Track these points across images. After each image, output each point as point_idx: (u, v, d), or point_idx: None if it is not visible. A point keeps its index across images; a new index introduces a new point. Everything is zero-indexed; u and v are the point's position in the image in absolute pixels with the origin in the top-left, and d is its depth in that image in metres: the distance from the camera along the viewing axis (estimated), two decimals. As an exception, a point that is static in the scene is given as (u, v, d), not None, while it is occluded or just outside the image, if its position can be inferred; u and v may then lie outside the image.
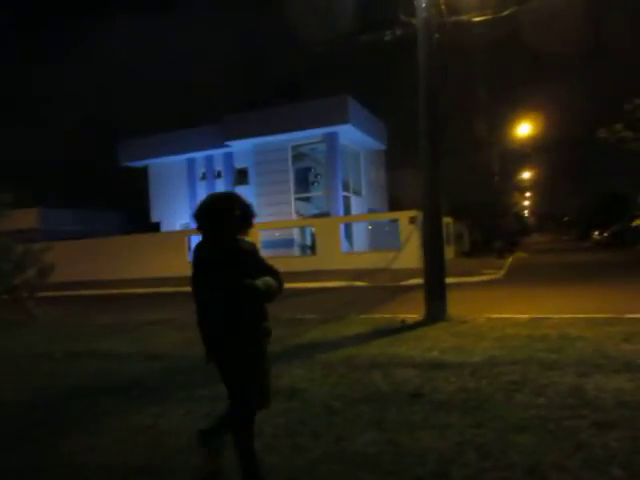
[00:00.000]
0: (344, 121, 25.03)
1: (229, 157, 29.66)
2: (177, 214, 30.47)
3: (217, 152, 29.51)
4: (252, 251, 2.92)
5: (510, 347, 5.73)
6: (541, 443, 3.12)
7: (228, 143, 27.98)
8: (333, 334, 7.48)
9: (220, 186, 29.90)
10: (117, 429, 3.97)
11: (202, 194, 30.29)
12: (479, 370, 4.81)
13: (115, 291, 19.56)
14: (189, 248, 25.71)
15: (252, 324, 2.84)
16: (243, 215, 2.86)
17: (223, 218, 2.80)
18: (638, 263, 20.65)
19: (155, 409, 4.33)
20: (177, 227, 29.82)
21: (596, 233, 46.77)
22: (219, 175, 30.29)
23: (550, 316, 7.83)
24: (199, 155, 30.13)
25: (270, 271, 2.87)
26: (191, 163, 30.62)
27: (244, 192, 28.56)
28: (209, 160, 30.20)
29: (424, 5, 8.90)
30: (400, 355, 5.71)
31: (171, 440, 3.66)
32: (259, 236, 23.22)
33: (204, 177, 30.64)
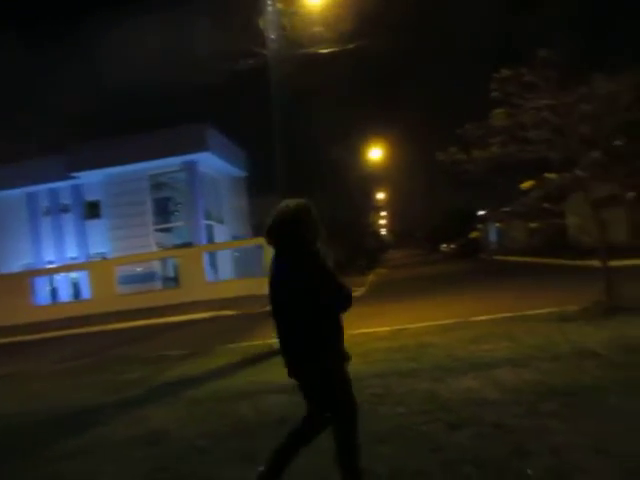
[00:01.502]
0: (203, 149, 24.71)
1: (77, 189, 27.47)
2: (16, 254, 27.22)
3: (63, 184, 27.13)
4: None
5: (373, 360, 5.97)
6: (402, 451, 3.26)
7: (75, 174, 25.96)
8: (200, 368, 7.20)
9: (68, 221, 27.50)
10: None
11: (46, 231, 27.53)
12: (344, 387, 4.91)
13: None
14: (33, 292, 23.14)
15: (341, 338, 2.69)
16: (318, 225, 2.72)
17: (308, 228, 2.64)
18: (479, 271, 23.03)
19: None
20: (16, 269, 26.55)
21: (444, 246, 51.44)
22: (66, 209, 27.84)
23: (408, 326, 8.35)
24: (41, 188, 27.42)
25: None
26: (31, 197, 27.75)
27: (96, 226, 26.82)
28: (53, 193, 27.64)
29: (274, 37, 9.19)
30: (269, 381, 5.65)
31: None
32: (115, 272, 21.71)
33: (48, 212, 27.94)
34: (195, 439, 4.03)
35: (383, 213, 57.77)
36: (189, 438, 4.09)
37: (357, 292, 17.78)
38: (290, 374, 2.72)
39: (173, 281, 25.83)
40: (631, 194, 13.00)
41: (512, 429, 3.37)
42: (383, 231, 69.28)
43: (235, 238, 29.47)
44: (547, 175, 8.71)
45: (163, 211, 28.53)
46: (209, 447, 3.83)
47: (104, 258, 25.35)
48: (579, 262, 16.68)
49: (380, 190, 45.27)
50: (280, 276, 2.67)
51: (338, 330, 2.69)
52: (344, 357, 2.71)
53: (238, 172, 30.76)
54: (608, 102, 7.77)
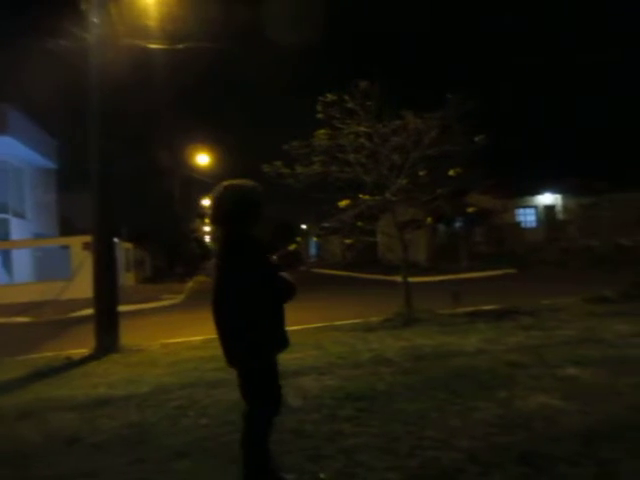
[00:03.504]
0: (2, 132, 21.57)
1: None
2: None
3: None
4: None
5: (181, 371, 5.73)
6: (200, 465, 3.14)
7: None
8: (-24, 384, 6.16)
9: None
10: None
11: None
12: (147, 400, 4.62)
13: None
14: None
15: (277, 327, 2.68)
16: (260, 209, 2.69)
17: (259, 209, 2.66)
18: (299, 282, 23.89)
19: None
20: None
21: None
22: None
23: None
24: None
25: None
26: None
27: None
28: None
29: (97, 21, 8.46)
30: (60, 397, 5.06)
31: None
32: None
33: None
34: (-46, 469, 3.40)
35: (207, 219, 56.93)
36: (-54, 468, 3.43)
37: (174, 300, 17.13)
38: (228, 363, 2.69)
39: (-48, 282, 22.02)
40: (430, 219, 14.75)
41: (310, 434, 3.49)
42: (208, 238, 68.24)
43: (38, 236, 26.22)
44: (361, 196, 9.43)
45: (-56, 199, 24.18)
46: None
47: None
48: (386, 277, 18.33)
49: (207, 197, 44.60)
50: (220, 261, 2.60)
51: (274, 318, 2.67)
52: (280, 345, 2.70)
53: (46, 163, 27.51)
54: (415, 137, 8.73)
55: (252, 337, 2.57)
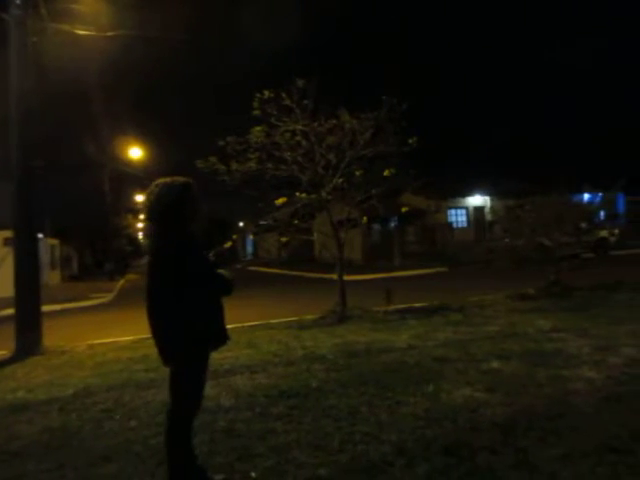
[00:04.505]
0: None
1: None
2: None
3: None
4: None
5: (109, 372, 5.52)
6: (125, 468, 3.03)
7: None
8: None
9: None
10: None
11: None
12: (71, 404, 4.41)
13: None
14: None
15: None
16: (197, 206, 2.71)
17: (187, 209, 2.63)
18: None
19: None
20: None
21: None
22: None
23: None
24: None
25: None
26: None
27: None
28: None
29: (18, 2, 7.97)
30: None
31: None
32: None
33: None
34: None
35: (142, 216, 54.99)
36: None
37: (103, 299, 16.47)
38: (164, 363, 2.64)
39: None
40: (365, 218, 14.98)
41: (241, 433, 3.46)
42: (140, 235, 65.97)
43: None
44: (297, 194, 9.44)
45: None
46: None
47: None
48: (321, 275, 18.47)
49: (140, 192, 43.00)
50: (154, 258, 2.59)
51: (211, 315, 2.64)
52: (219, 341, 2.67)
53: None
54: (351, 137, 8.83)
55: (189, 334, 2.55)
